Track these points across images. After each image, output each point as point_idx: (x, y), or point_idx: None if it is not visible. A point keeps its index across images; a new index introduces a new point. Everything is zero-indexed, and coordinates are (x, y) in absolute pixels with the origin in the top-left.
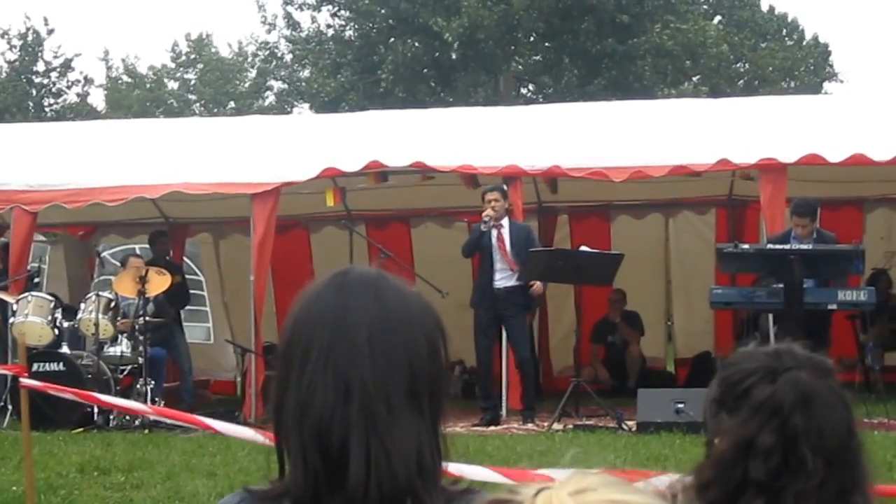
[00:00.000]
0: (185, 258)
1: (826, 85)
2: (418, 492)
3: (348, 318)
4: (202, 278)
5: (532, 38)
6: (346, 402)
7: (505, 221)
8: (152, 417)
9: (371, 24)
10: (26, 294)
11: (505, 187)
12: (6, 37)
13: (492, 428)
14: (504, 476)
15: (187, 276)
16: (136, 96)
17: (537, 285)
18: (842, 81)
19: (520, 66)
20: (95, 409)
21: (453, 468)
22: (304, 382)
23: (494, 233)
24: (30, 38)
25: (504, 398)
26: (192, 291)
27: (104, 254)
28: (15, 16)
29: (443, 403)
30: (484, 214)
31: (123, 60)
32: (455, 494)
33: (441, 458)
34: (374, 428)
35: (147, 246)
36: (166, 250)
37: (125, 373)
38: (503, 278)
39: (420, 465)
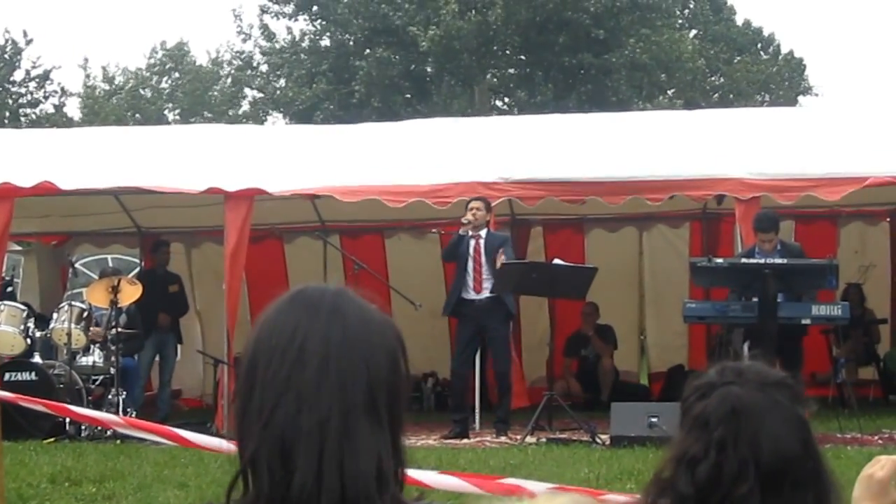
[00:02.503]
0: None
1: (801, 99)
2: None
3: (306, 335)
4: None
5: (508, 51)
6: (305, 417)
7: (483, 233)
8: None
9: (347, 35)
10: None
11: (488, 201)
12: None
13: (465, 441)
14: (475, 486)
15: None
16: (112, 106)
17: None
18: (816, 95)
19: (495, 79)
20: (67, 420)
21: (426, 478)
22: (266, 397)
23: (472, 243)
24: (8, 48)
25: (477, 410)
26: None
27: (78, 264)
28: None
29: (402, 416)
30: (463, 219)
31: (103, 68)
32: None
33: (401, 471)
34: (330, 442)
35: (120, 256)
36: (167, 259)
37: (97, 383)
38: (479, 290)
39: (378, 479)
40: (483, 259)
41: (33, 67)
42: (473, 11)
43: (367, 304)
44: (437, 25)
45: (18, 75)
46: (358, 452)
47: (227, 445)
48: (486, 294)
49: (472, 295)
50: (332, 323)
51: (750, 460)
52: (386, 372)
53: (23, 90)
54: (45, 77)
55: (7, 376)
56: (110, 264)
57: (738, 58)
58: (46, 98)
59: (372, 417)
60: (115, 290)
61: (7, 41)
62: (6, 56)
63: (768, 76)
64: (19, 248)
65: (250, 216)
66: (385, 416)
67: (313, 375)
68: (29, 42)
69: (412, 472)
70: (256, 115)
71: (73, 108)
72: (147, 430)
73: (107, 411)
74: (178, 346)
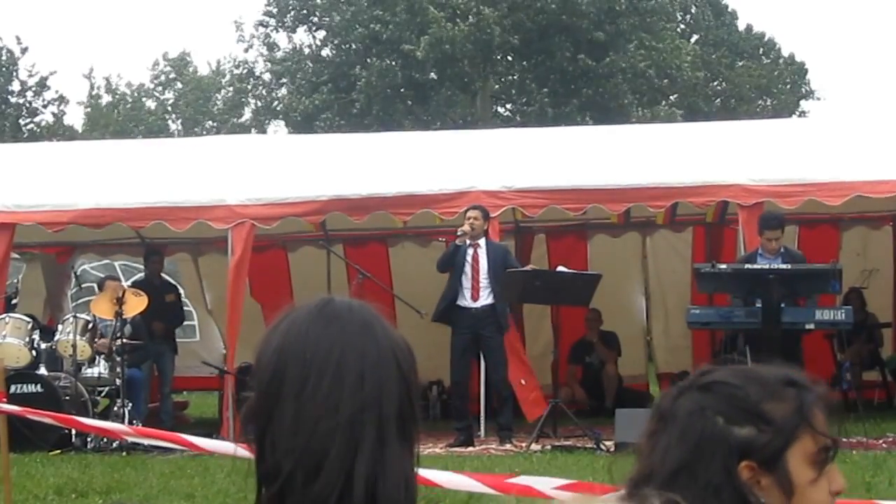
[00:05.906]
0: (162, 275)
1: (803, 103)
2: None
3: (343, 351)
4: (182, 291)
5: (510, 57)
6: (342, 434)
7: (482, 242)
8: (130, 440)
9: (347, 44)
10: (4, 315)
11: (486, 210)
12: None
13: (470, 449)
14: (484, 484)
15: None
16: (114, 116)
17: None
18: (818, 99)
19: (496, 86)
20: (73, 431)
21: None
22: (302, 412)
23: (470, 252)
24: (4, 57)
25: (482, 418)
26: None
27: (85, 266)
28: None
29: (418, 430)
30: (460, 229)
31: (106, 79)
32: None
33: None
34: (365, 459)
35: (127, 263)
36: (159, 268)
37: (103, 394)
38: (476, 297)
39: (407, 491)
40: (482, 268)
41: (30, 76)
42: (456, 23)
43: (387, 320)
44: (427, 33)
45: (16, 86)
46: (388, 472)
47: (237, 448)
48: (483, 302)
49: (468, 303)
50: (365, 339)
51: (658, 461)
52: (410, 388)
53: (21, 100)
54: (42, 85)
55: (13, 388)
56: (118, 270)
57: (740, 62)
58: (45, 106)
59: (401, 434)
60: (120, 301)
61: (2, 49)
62: (2, 67)
63: (770, 80)
64: (19, 257)
65: (252, 235)
66: (411, 431)
67: (352, 392)
68: (24, 51)
69: (424, 472)
70: (258, 124)
71: (73, 118)
72: (156, 437)
73: (113, 422)
74: (175, 358)
